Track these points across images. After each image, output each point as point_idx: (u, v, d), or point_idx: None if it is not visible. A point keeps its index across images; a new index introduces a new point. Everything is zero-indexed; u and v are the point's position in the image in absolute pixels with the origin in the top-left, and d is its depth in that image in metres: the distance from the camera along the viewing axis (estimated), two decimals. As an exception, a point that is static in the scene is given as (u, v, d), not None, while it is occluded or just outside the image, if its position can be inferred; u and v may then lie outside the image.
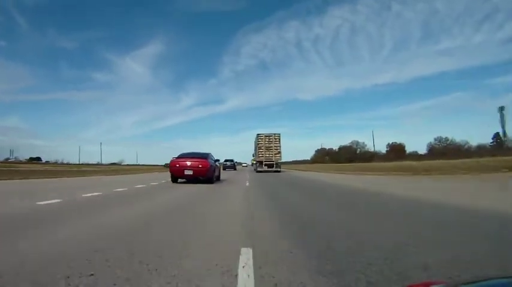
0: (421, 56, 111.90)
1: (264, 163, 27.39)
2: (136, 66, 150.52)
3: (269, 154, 27.68)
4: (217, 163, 14.09)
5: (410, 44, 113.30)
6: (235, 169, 35.56)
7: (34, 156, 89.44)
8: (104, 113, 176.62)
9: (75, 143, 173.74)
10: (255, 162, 37.02)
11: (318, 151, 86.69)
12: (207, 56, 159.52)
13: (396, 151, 61.50)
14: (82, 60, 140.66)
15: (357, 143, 78.08)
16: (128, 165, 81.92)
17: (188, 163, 11.37)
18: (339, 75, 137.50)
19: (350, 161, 60.21)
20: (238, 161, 46.81)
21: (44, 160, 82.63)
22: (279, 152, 28.02)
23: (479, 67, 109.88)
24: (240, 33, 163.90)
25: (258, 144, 27.73)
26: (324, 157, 76.83)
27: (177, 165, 11.44)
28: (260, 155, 27.58)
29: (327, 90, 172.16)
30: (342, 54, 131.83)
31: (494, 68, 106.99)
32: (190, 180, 11.60)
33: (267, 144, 27.79)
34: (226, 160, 36.53)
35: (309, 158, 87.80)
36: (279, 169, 27.96)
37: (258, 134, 28.10)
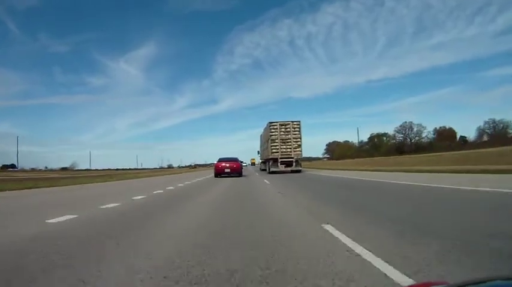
0: (414, 51, 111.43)
1: (279, 160, 20.38)
2: (129, 68, 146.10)
3: (286, 148, 20.68)
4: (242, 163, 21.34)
5: (404, 39, 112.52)
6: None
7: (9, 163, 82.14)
8: (98, 116, 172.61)
9: (68, 148, 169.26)
10: (262, 160, 30.03)
11: (338, 146, 77.84)
12: (200, 57, 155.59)
13: (446, 138, 51.97)
14: (75, 64, 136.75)
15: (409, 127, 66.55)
16: (124, 169, 75.76)
17: (227, 165, 17.93)
18: (333, 72, 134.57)
19: (400, 152, 51.21)
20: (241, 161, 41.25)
21: (19, 167, 74.67)
22: (299, 146, 21.01)
23: (472, 60, 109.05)
24: (233, 32, 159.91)
25: (271, 136, 20.71)
26: (350, 150, 67.51)
27: (220, 166, 17.98)
28: (274, 151, 20.55)
29: (321, 88, 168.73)
30: (335, 51, 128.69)
31: (487, 61, 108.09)
32: (226, 174, 17.50)
33: (283, 135, 20.79)
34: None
35: (317, 155, 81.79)
36: (299, 168, 20.94)
37: (269, 123, 21.06)
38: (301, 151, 21.03)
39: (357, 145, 71.60)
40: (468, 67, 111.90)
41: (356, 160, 47.94)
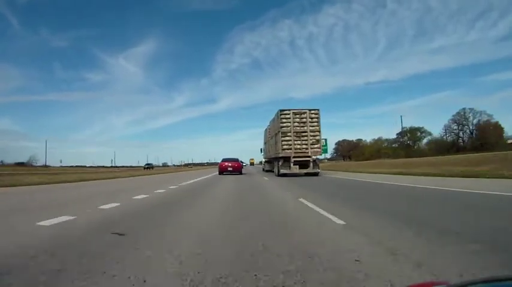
0: (414, 54, 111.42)
1: (292, 159, 15.56)
2: (128, 65, 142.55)
3: (301, 144, 15.86)
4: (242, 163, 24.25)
5: (404, 41, 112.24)
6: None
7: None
8: (96, 113, 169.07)
9: (66, 145, 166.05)
10: (266, 160, 25.18)
11: (356, 145, 69.85)
12: (200, 56, 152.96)
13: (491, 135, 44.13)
14: (74, 60, 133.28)
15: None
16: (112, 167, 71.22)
17: (229, 164, 21.06)
18: (333, 73, 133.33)
19: (456, 150, 44.08)
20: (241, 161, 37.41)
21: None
22: (318, 141, 16.17)
23: (472, 65, 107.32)
24: (233, 32, 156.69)
25: (282, 128, 15.89)
26: (380, 149, 60.28)
27: (224, 165, 21.04)
28: (285, 147, 15.72)
29: (320, 89, 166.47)
30: (335, 52, 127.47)
31: (487, 66, 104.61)
32: (228, 172, 20.73)
33: (298, 127, 15.94)
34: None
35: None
36: (317, 170, 16.11)
37: (280, 112, 16.18)
38: (320, 148, 16.19)
39: (384, 142, 64.47)
40: (468, 72, 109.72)
41: (390, 160, 40.85)
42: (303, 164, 15.88)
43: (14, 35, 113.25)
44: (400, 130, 58.87)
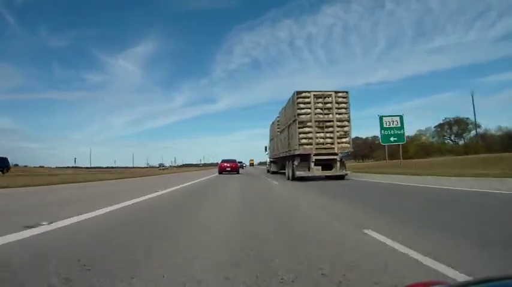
0: (414, 54, 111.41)
1: (313, 158, 11.47)
2: (128, 65, 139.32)
3: (325, 138, 11.79)
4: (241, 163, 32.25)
5: (404, 42, 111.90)
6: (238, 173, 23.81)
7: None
8: (96, 113, 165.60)
9: (64, 144, 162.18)
10: (272, 159, 21.03)
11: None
12: (199, 56, 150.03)
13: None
14: (73, 60, 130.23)
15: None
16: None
17: (228, 165, 22.81)
18: (332, 73, 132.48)
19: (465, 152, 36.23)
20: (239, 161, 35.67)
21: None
22: (347, 134, 12.11)
23: (471, 65, 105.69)
24: (233, 32, 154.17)
25: (299, 116, 11.80)
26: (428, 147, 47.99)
27: (223, 165, 22.84)
28: (304, 141, 11.62)
29: (319, 89, 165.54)
30: (335, 52, 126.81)
31: (487, 67, 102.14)
32: (227, 172, 22.29)
33: (321, 115, 11.86)
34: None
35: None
36: (344, 172, 11.99)
37: (296, 94, 11.97)
38: (349, 143, 12.14)
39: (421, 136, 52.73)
40: (467, 72, 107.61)
41: (446, 158, 30.72)
42: (327, 164, 11.85)
43: (13, 35, 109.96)
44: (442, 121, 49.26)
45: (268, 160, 23.97)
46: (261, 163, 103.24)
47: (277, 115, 17.92)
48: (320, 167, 11.53)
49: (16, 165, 76.52)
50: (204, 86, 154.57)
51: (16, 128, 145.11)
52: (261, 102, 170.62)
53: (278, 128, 17.20)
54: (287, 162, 13.65)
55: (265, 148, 24.23)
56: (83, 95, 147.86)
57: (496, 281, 0.58)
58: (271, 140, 21.39)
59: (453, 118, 49.43)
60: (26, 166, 79.20)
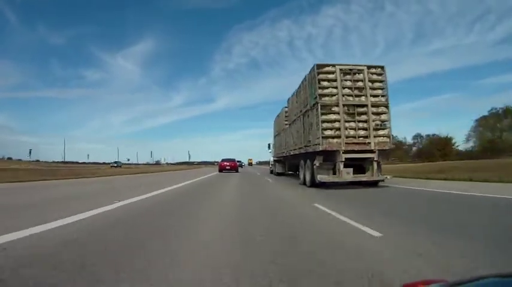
0: (413, 56, 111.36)
1: (342, 156, 8.20)
2: (127, 64, 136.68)
3: (357, 128, 8.54)
4: (238, 162, 29.60)
5: (403, 44, 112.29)
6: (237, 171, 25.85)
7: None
8: (94, 111, 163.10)
9: (62, 141, 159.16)
10: (277, 158, 17.80)
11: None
12: (198, 54, 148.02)
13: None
14: (72, 58, 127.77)
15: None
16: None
17: (227, 163, 25.21)
18: None
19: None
20: (238, 160, 36.13)
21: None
22: (385, 124, 8.90)
23: (470, 68, 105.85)
24: (232, 31, 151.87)
25: (321, 98, 8.55)
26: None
27: (223, 164, 25.20)
28: (329, 134, 8.34)
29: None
30: (334, 53, 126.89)
31: (485, 69, 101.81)
32: (227, 170, 24.20)
33: (351, 95, 8.61)
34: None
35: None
36: (380, 177, 8.72)
37: (317, 68, 8.71)
38: (389, 137, 8.90)
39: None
40: (466, 74, 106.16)
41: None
42: (359, 166, 8.64)
43: (11, 32, 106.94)
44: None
45: (271, 159, 20.66)
46: (260, 163, 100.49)
47: (285, 106, 14.70)
48: (351, 170, 8.29)
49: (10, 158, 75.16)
50: (202, 85, 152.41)
51: (13, 125, 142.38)
52: (259, 102, 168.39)
53: (286, 120, 13.96)
54: (301, 162, 10.40)
55: (269, 145, 20.95)
56: (82, 92, 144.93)
57: (494, 279, 0.58)
58: (275, 136, 18.13)
59: (502, 108, 38.42)
60: (20, 160, 76.95)
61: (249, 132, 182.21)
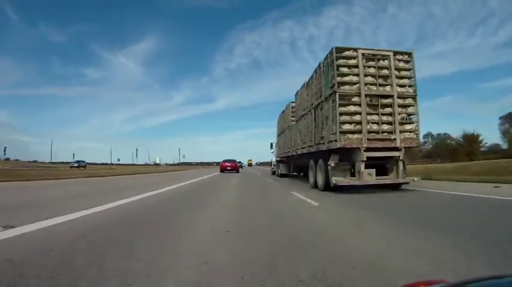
0: (415, 58, 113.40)
1: (363, 155, 6.94)
2: (128, 62, 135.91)
3: (380, 120, 7.29)
4: (239, 163, 31.65)
5: (405, 46, 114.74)
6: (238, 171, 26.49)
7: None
8: (94, 109, 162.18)
9: (61, 139, 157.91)
10: (280, 159, 16.56)
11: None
12: (200, 54, 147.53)
13: None
14: (73, 56, 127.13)
15: None
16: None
17: (228, 164, 25.97)
18: None
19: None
20: (238, 161, 35.95)
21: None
22: (410, 119, 7.67)
23: (472, 71, 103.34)
24: (234, 31, 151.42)
25: (339, 87, 7.32)
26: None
27: (224, 165, 25.91)
28: (347, 129, 7.10)
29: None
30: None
31: (487, 72, 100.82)
32: (228, 171, 24.80)
33: (374, 85, 7.36)
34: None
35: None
36: (405, 180, 7.47)
37: (336, 52, 7.41)
38: (417, 132, 7.65)
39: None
40: (468, 77, 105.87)
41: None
42: (380, 166, 7.39)
43: (12, 29, 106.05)
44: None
45: (274, 160, 19.38)
46: (261, 163, 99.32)
47: (291, 101, 13.47)
48: (374, 171, 7.03)
49: (7, 159, 73.76)
50: (203, 85, 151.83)
51: (13, 123, 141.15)
52: (260, 103, 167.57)
53: (293, 116, 12.71)
54: (311, 162, 9.13)
55: (271, 144, 19.68)
56: (82, 90, 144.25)
57: (494, 280, 0.58)
58: (279, 134, 16.88)
59: None
60: (17, 160, 75.56)
61: (249, 132, 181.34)
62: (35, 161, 76.00)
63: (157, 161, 77.77)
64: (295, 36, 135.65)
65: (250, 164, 78.75)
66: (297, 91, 11.63)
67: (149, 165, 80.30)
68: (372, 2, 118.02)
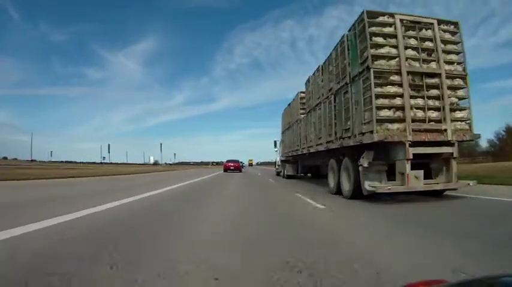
0: None
1: (409, 150, 5.11)
2: (128, 62, 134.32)
3: (426, 106, 5.60)
4: (241, 163, 33.60)
5: None
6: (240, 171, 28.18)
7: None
8: (95, 109, 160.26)
9: (61, 139, 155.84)
10: (285, 158, 14.80)
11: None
12: (200, 54, 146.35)
13: None
14: (74, 56, 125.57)
15: None
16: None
17: (231, 164, 27.87)
18: None
19: None
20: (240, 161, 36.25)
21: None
22: (458, 106, 6.02)
23: (472, 71, 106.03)
24: (234, 31, 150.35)
25: (373, 61, 5.67)
26: None
27: (227, 165, 27.73)
28: (386, 116, 5.41)
29: None
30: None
31: (488, 73, 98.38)
32: (231, 170, 26.43)
33: (417, 60, 5.71)
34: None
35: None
36: (453, 185, 5.76)
37: (368, 17, 5.73)
38: (470, 121, 5.98)
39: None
40: (469, 77, 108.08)
41: None
42: (425, 165, 5.70)
43: (13, 29, 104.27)
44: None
45: (278, 159, 17.64)
46: (262, 163, 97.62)
47: (300, 91, 11.80)
48: (422, 173, 5.34)
49: (5, 157, 72.43)
50: (204, 85, 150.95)
51: (13, 122, 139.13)
52: (260, 103, 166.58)
53: (303, 108, 11.04)
54: (333, 161, 7.40)
55: (275, 143, 17.97)
56: (83, 90, 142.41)
57: (494, 279, 0.58)
58: (284, 131, 15.19)
59: None
60: (15, 159, 73.90)
61: (249, 132, 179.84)
62: (33, 161, 74.53)
63: (152, 161, 76.12)
64: (296, 37, 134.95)
65: (251, 164, 79.75)
66: (308, 78, 9.94)
67: (148, 164, 78.34)
68: (374, 2, 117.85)
